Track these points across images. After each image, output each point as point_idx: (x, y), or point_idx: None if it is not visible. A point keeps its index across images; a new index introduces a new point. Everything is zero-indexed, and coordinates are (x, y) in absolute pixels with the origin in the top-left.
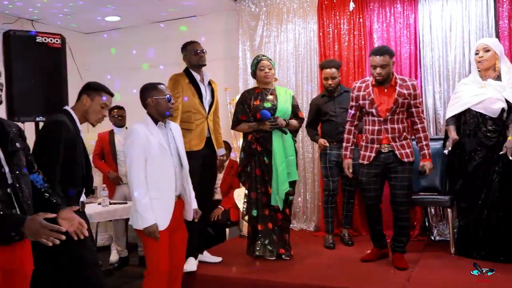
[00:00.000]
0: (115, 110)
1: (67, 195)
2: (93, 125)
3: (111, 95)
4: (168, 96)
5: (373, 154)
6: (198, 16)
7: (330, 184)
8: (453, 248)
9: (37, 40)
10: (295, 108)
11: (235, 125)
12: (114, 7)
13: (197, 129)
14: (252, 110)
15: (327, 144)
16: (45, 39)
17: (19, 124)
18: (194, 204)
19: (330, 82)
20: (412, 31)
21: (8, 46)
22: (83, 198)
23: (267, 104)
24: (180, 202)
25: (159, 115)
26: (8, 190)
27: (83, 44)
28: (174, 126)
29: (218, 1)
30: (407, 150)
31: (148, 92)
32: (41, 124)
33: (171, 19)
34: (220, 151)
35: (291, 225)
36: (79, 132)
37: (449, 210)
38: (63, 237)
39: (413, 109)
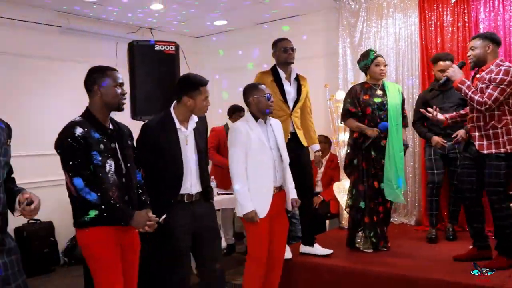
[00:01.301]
0: (242, 112)
1: (157, 191)
2: (202, 116)
3: (206, 83)
4: (267, 94)
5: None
6: (299, 16)
7: (435, 176)
8: None
9: (155, 48)
10: (403, 104)
11: (344, 118)
12: (221, 12)
13: (282, 126)
14: (362, 104)
15: (446, 145)
16: (162, 47)
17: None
18: (292, 194)
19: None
20: None
21: (132, 54)
22: (188, 190)
23: (377, 99)
24: (281, 193)
25: (259, 112)
26: (123, 179)
27: (195, 47)
28: (275, 122)
29: (319, 0)
30: (492, 141)
31: (249, 91)
32: None
33: (274, 20)
34: (314, 147)
35: (391, 219)
36: (176, 134)
37: None
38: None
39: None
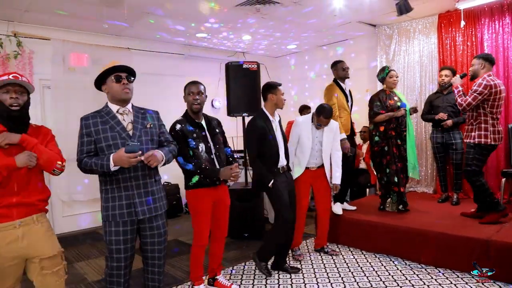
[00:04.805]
0: (309, 109)
1: (264, 163)
2: (281, 108)
3: (281, 84)
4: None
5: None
6: (348, 39)
7: (438, 158)
8: None
9: (243, 67)
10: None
11: (373, 117)
12: (292, 39)
13: (345, 121)
14: (389, 107)
15: (445, 116)
16: (247, 65)
17: (230, 118)
18: (335, 179)
19: (443, 78)
20: None
21: (228, 71)
22: (281, 163)
23: (399, 103)
24: (321, 169)
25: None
26: (212, 156)
27: (274, 64)
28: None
29: (363, 28)
30: (469, 134)
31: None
32: (245, 118)
33: (330, 43)
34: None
35: (415, 188)
36: (270, 124)
37: None
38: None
39: None
